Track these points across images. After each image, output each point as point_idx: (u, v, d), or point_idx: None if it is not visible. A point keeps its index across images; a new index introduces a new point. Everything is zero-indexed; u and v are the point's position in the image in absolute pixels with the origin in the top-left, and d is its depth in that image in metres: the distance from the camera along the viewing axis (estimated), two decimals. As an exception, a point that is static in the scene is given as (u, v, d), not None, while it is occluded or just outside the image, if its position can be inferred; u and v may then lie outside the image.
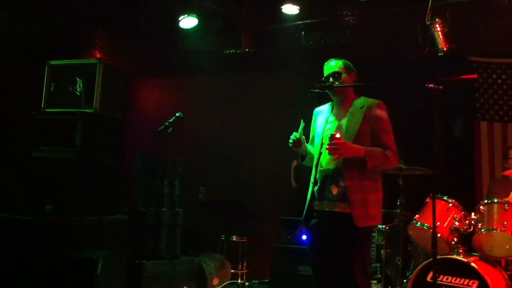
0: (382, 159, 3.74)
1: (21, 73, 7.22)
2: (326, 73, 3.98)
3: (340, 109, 3.95)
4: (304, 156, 4.00)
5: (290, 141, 3.89)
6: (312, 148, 4.02)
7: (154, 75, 8.86)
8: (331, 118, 3.94)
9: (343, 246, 3.74)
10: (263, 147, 7.70)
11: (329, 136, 3.68)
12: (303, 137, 3.90)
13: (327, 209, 3.77)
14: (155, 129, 4.73)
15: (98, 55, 7.64)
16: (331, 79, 3.91)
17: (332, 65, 3.97)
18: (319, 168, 3.82)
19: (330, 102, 4.05)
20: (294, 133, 3.87)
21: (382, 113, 3.85)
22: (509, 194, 5.25)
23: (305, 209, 3.92)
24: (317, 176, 3.83)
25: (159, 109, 8.65)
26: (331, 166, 3.77)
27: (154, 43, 7.35)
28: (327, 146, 3.68)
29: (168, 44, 7.23)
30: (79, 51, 7.46)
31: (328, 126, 3.91)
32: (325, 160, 3.79)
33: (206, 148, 8.17)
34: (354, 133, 3.78)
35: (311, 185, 3.90)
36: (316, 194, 3.84)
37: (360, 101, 3.92)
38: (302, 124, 3.90)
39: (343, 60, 4.00)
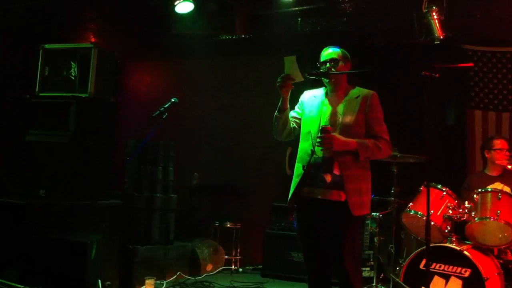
0: (374, 150, 3.77)
1: (15, 56, 7.14)
2: (323, 58, 3.97)
3: (334, 96, 3.95)
4: (284, 109, 3.87)
5: (279, 79, 3.78)
6: (292, 117, 3.99)
7: (145, 59, 8.78)
8: (326, 105, 3.92)
9: (334, 234, 3.75)
10: (256, 131, 7.67)
11: (320, 128, 3.70)
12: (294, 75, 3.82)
13: (319, 197, 3.77)
14: (147, 113, 4.63)
15: (92, 39, 7.56)
16: (327, 65, 3.92)
17: (331, 52, 3.97)
18: (313, 155, 3.79)
19: (324, 87, 4.03)
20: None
21: (376, 103, 3.89)
22: None
23: (291, 192, 3.91)
24: (310, 162, 3.80)
25: (150, 93, 8.59)
26: (326, 154, 3.75)
27: (147, 26, 7.26)
28: (317, 139, 3.70)
29: (160, 28, 7.14)
30: (71, 34, 7.37)
31: (323, 113, 3.89)
32: (320, 148, 3.77)
33: (198, 133, 8.13)
34: (350, 122, 3.79)
35: (300, 169, 3.86)
36: (307, 180, 3.83)
37: (355, 91, 3.94)
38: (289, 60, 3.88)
39: (342, 49, 4.01)
